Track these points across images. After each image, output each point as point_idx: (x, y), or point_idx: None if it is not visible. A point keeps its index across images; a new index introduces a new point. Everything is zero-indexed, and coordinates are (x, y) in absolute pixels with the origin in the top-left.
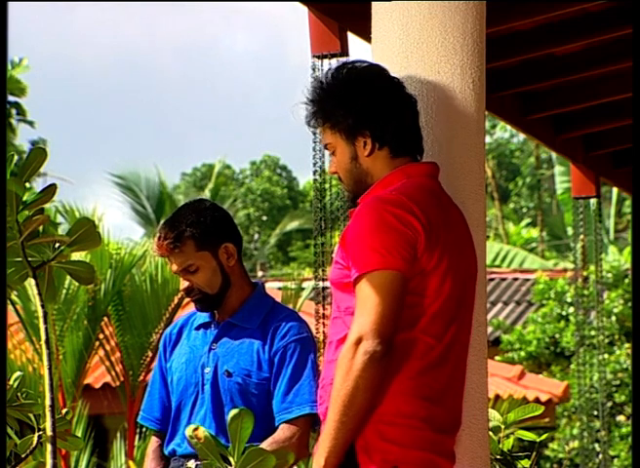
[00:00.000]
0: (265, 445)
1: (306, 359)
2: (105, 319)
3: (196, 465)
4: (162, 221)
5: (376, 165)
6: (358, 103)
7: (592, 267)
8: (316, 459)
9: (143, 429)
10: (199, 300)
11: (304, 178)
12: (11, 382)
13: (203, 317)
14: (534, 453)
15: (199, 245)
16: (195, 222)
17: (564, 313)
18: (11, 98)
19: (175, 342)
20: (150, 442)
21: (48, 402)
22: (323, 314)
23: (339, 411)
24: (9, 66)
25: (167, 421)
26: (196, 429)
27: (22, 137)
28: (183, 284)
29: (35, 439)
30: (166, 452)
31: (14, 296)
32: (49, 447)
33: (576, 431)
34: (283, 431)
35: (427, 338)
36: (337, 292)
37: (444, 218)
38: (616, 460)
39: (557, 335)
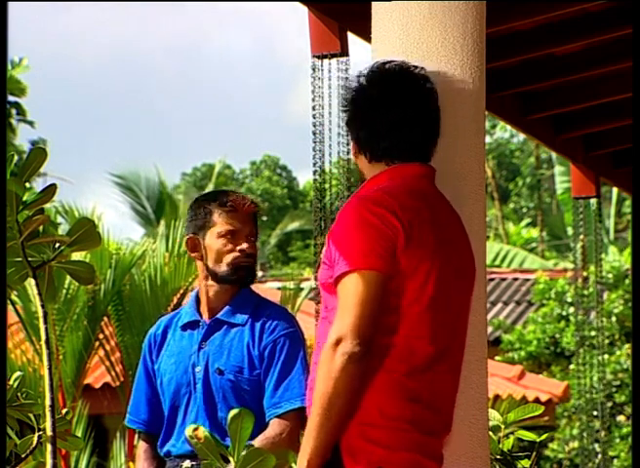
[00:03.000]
0: (256, 442)
1: (296, 353)
2: (105, 319)
3: (192, 465)
4: (230, 191)
5: (362, 166)
6: (352, 107)
7: (592, 267)
8: (299, 460)
9: (138, 433)
10: (250, 268)
11: (304, 178)
12: (11, 382)
13: (188, 316)
14: (534, 453)
15: (257, 227)
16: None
17: (564, 313)
18: (11, 98)
19: (160, 343)
20: (140, 443)
21: (48, 402)
22: None
23: (319, 413)
24: (9, 66)
25: (155, 422)
26: (196, 429)
27: (22, 137)
28: (249, 245)
29: (35, 439)
30: (161, 454)
31: (14, 296)
32: (49, 447)
33: (575, 431)
34: (273, 427)
35: (412, 341)
36: (324, 293)
37: (431, 219)
38: (615, 461)
39: (557, 335)
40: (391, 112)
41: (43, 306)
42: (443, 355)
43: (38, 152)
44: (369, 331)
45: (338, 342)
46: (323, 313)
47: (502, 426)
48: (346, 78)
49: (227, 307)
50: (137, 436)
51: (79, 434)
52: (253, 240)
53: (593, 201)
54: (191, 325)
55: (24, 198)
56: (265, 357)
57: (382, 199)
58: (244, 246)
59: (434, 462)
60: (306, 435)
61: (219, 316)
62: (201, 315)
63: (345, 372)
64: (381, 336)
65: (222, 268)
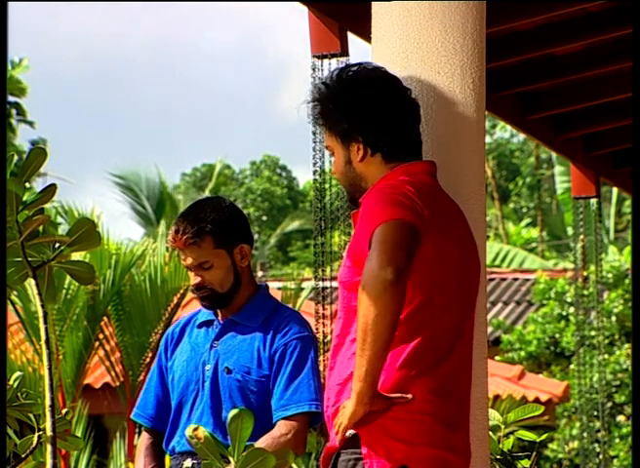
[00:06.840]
0: (261, 441)
1: (306, 357)
2: (105, 319)
3: (193, 464)
4: (180, 215)
5: (369, 170)
6: (353, 110)
7: (592, 267)
8: (352, 393)
9: (142, 428)
10: (207, 297)
11: (304, 178)
12: (11, 382)
13: (206, 315)
14: (534, 453)
15: (217, 242)
16: (216, 220)
17: (564, 313)
18: (11, 99)
19: (177, 341)
20: (142, 439)
21: (48, 402)
22: (323, 314)
23: (364, 339)
24: (9, 66)
25: (160, 419)
26: (196, 429)
27: (22, 137)
28: (194, 279)
29: (35, 439)
30: (166, 451)
31: (14, 296)
32: (49, 447)
33: (575, 431)
34: (279, 428)
35: (432, 331)
36: (344, 292)
37: (444, 213)
38: (615, 460)
39: (557, 335)
40: (406, 112)
41: (43, 306)
42: (456, 345)
43: (38, 152)
44: (401, 261)
45: (371, 274)
46: (340, 312)
47: (502, 426)
48: (339, 80)
49: (243, 309)
50: (136, 436)
51: (79, 434)
52: (200, 267)
53: (593, 201)
54: (207, 323)
55: (24, 198)
56: (275, 360)
57: (405, 187)
58: (192, 282)
59: (461, 458)
60: (355, 366)
61: (233, 317)
62: (217, 315)
63: (387, 294)
64: (402, 328)
65: None
